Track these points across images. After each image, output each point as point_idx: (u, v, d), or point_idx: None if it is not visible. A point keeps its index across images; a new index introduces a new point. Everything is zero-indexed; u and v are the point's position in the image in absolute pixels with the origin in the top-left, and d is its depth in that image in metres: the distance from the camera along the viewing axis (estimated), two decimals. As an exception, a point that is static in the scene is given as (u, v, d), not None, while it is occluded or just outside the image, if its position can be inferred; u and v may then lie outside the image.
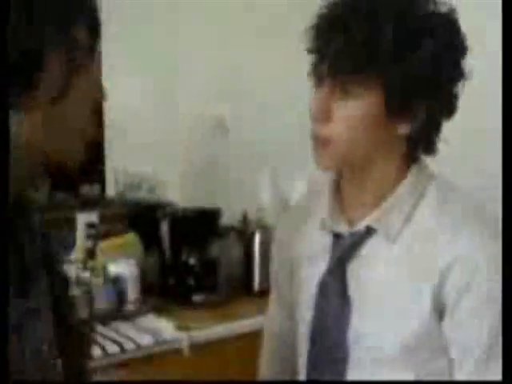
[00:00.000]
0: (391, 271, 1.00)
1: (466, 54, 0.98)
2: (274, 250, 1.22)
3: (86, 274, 1.90)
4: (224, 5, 2.31)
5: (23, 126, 0.73)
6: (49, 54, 0.72)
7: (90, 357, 0.95)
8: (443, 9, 0.97)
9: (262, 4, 2.34)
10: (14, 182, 0.74)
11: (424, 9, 0.96)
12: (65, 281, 0.96)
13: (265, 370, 1.24)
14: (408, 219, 1.00)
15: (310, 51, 1.00)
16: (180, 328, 1.84)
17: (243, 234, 2.29)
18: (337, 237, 1.05)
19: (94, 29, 0.79)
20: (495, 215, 1.01)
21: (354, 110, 0.96)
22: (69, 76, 0.74)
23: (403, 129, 0.98)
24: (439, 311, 0.97)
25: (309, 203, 1.15)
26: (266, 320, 1.26)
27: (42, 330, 0.82)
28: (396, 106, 0.96)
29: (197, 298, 2.06)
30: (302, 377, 1.10)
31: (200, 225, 2.16)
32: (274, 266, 1.21)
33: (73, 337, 0.94)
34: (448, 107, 1.00)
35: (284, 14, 2.31)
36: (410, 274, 0.98)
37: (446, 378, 0.99)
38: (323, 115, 0.97)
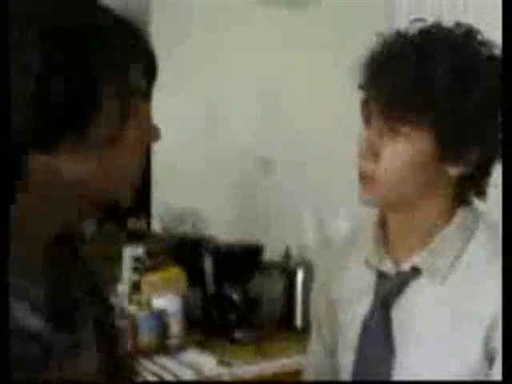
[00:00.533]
0: (437, 314, 0.98)
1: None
2: (316, 289, 1.21)
3: (131, 307, 1.93)
4: (272, 34, 2.35)
5: (75, 164, 0.73)
6: (105, 95, 0.72)
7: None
8: (496, 52, 0.97)
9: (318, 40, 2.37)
10: (62, 216, 0.77)
11: (479, 52, 0.96)
12: (112, 312, 0.96)
13: None
14: (456, 261, 0.98)
15: (361, 87, 1.01)
16: (221, 363, 1.84)
17: (285, 270, 2.29)
18: (381, 276, 1.04)
19: (150, 70, 0.80)
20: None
21: (403, 149, 0.95)
22: (124, 117, 0.75)
23: (454, 171, 0.97)
24: (490, 357, 0.94)
25: (352, 242, 1.14)
26: (307, 359, 1.25)
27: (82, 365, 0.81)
28: (447, 147, 0.95)
29: (239, 334, 2.06)
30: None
31: (243, 260, 2.17)
32: (315, 306, 1.21)
33: (120, 368, 0.94)
34: (497, 150, 0.99)
35: (339, 50, 2.34)
36: (458, 317, 0.96)
37: None
38: (370, 153, 0.96)
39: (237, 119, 2.32)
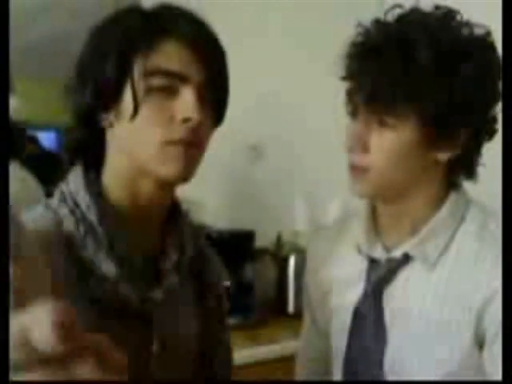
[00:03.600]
0: (428, 299, 0.99)
1: (498, 76, 0.97)
2: (308, 275, 1.22)
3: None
4: (262, 31, 2.34)
5: (121, 137, 0.84)
6: (125, 77, 0.81)
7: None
8: (479, 32, 0.96)
9: (301, 30, 2.36)
10: (136, 188, 0.86)
11: (459, 33, 0.95)
12: (220, 300, 1.01)
13: None
14: (446, 246, 0.99)
15: (344, 79, 1.00)
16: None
17: (277, 256, 2.29)
18: (372, 262, 1.04)
19: (193, 52, 0.83)
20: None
21: (392, 140, 0.95)
22: (140, 96, 0.81)
23: (443, 156, 0.97)
24: (479, 341, 0.95)
25: (344, 227, 1.15)
26: (299, 344, 1.25)
27: (157, 324, 0.85)
28: (435, 133, 0.94)
29: (231, 320, 2.07)
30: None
31: (235, 247, 2.17)
32: (308, 291, 1.21)
33: (221, 355, 1.00)
34: (488, 130, 0.99)
35: (323, 40, 2.33)
36: (448, 302, 0.97)
37: None
38: (360, 145, 0.96)
39: (233, 106, 2.32)
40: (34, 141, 3.15)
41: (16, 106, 1.82)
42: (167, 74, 0.81)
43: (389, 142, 0.95)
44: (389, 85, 0.92)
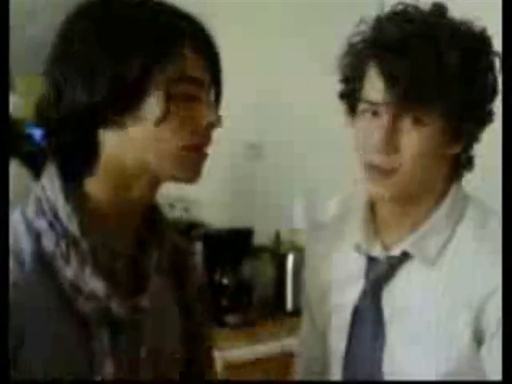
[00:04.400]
0: (428, 297, 0.98)
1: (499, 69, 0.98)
2: (306, 273, 1.21)
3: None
4: (260, 23, 2.34)
5: (133, 142, 0.82)
6: (148, 82, 0.80)
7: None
8: (478, 28, 0.97)
9: (300, 28, 2.36)
10: (131, 193, 0.84)
11: (469, 29, 0.96)
12: (201, 294, 1.00)
13: None
14: (445, 244, 0.99)
15: (347, 80, 0.99)
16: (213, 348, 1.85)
17: (276, 254, 2.29)
18: (371, 261, 1.04)
19: (206, 61, 0.84)
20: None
21: (421, 139, 0.94)
22: (169, 102, 0.80)
23: (454, 150, 0.98)
24: (478, 339, 0.95)
25: (341, 225, 1.14)
26: (299, 343, 1.25)
27: (145, 331, 0.85)
28: (456, 129, 0.95)
29: (230, 318, 2.07)
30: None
31: (233, 245, 2.18)
32: (306, 289, 1.21)
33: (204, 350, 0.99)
34: (488, 121, 1.00)
35: (323, 39, 2.33)
36: (447, 300, 0.97)
37: None
38: (389, 146, 0.94)
39: (226, 104, 2.32)
40: (34, 138, 3.15)
41: (16, 103, 1.82)
42: (192, 80, 0.83)
43: (419, 141, 0.94)
44: (422, 82, 0.91)
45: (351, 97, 1.00)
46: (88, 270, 0.78)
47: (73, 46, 0.81)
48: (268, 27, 2.36)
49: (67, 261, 0.78)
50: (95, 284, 0.78)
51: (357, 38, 0.98)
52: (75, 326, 0.78)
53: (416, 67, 0.91)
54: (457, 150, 0.99)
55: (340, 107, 1.03)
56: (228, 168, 2.40)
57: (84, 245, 0.78)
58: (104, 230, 0.82)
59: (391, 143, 0.94)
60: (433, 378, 0.96)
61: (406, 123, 0.94)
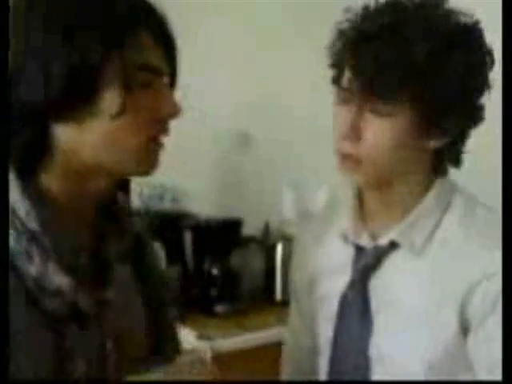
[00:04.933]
0: (415, 286, 0.99)
1: (492, 64, 0.98)
2: (294, 263, 1.22)
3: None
4: (250, 17, 2.33)
5: (89, 136, 0.78)
6: (107, 71, 0.75)
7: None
8: (467, 20, 0.97)
9: (288, 16, 2.35)
10: (85, 188, 0.81)
11: (450, 21, 0.96)
12: (162, 283, 0.99)
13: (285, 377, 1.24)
14: (432, 233, 1.00)
15: (334, 66, 1.00)
16: (202, 337, 1.86)
17: (265, 244, 2.30)
18: (359, 250, 1.05)
19: (163, 45, 0.81)
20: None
21: (385, 129, 0.94)
22: (127, 94, 0.76)
23: (434, 143, 0.98)
24: (464, 328, 0.96)
25: (329, 215, 1.15)
26: (286, 332, 1.26)
27: (110, 323, 0.83)
28: (427, 122, 0.95)
29: (219, 308, 2.08)
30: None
31: (222, 235, 2.18)
32: (294, 279, 1.22)
33: (169, 337, 0.96)
34: (475, 118, 1.00)
35: (311, 26, 2.33)
36: (434, 289, 0.98)
37: None
38: (353, 134, 0.95)
39: (215, 94, 2.31)
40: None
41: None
42: (150, 69, 0.79)
43: (382, 130, 0.94)
44: (385, 73, 0.91)
45: (336, 83, 1.00)
46: (51, 266, 0.76)
47: (27, 33, 0.75)
48: (255, 11, 2.35)
49: (29, 258, 0.75)
50: (60, 280, 0.76)
51: (344, 25, 0.98)
52: (44, 324, 0.76)
53: (380, 57, 0.91)
54: (437, 144, 0.98)
55: (328, 96, 1.03)
56: (216, 158, 2.40)
57: (45, 240, 0.76)
58: (64, 225, 0.80)
59: (354, 131, 0.95)
60: (418, 365, 0.97)
61: (371, 112, 0.94)
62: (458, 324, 0.96)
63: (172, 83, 0.85)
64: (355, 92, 0.95)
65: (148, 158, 0.82)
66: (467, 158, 1.04)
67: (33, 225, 0.76)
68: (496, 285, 0.93)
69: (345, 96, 0.98)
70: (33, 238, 0.76)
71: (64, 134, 0.78)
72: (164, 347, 0.94)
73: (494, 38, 0.99)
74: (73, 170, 0.80)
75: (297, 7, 2.30)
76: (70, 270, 0.77)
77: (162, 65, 0.81)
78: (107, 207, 0.88)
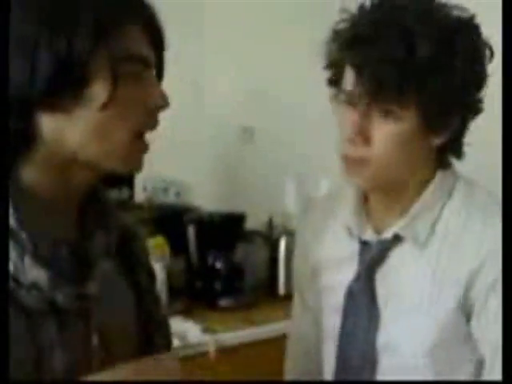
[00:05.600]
0: (420, 278, 1.00)
1: (491, 57, 0.98)
2: (298, 256, 1.22)
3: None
4: (252, 11, 2.33)
5: (74, 126, 0.76)
6: (94, 62, 0.74)
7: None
8: (465, 15, 0.96)
9: (289, 11, 2.35)
10: (67, 181, 0.80)
11: (450, 16, 0.95)
12: (151, 276, 0.96)
13: (290, 375, 1.24)
14: (435, 224, 1.00)
15: (330, 67, 0.98)
16: (206, 331, 1.86)
17: (269, 238, 2.30)
18: (364, 244, 1.05)
19: (151, 36, 0.79)
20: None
21: (394, 131, 0.93)
22: (116, 82, 0.75)
23: (438, 140, 0.98)
24: (467, 312, 0.97)
25: (332, 208, 1.14)
26: (291, 325, 1.26)
27: (92, 318, 0.81)
28: (434, 121, 0.94)
29: (223, 301, 2.08)
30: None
31: (226, 229, 2.18)
32: (298, 272, 1.22)
33: (160, 332, 0.94)
34: (476, 111, 1.00)
35: (312, 23, 2.33)
36: (438, 277, 0.98)
37: None
38: (361, 137, 0.94)
39: (219, 88, 2.31)
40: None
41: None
42: (139, 60, 0.77)
43: (391, 132, 0.93)
44: (393, 74, 0.89)
45: (334, 84, 1.00)
46: (28, 260, 0.74)
47: (13, 22, 0.74)
48: (261, 10, 2.35)
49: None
50: (36, 274, 0.74)
51: (340, 26, 0.97)
52: (20, 318, 0.74)
53: (383, 58, 0.89)
54: (441, 140, 0.98)
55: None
56: (220, 152, 2.40)
57: (22, 235, 0.74)
58: (44, 218, 0.78)
59: (362, 135, 0.94)
60: (422, 352, 0.98)
61: (378, 115, 0.93)
62: (457, 308, 0.97)
63: (159, 75, 0.83)
64: (361, 95, 0.93)
65: (133, 155, 0.80)
66: (468, 156, 1.05)
67: (11, 221, 0.74)
68: (497, 265, 0.93)
69: (348, 98, 0.96)
70: (11, 233, 0.74)
71: (49, 124, 0.76)
72: (156, 343, 0.92)
73: (493, 34, 0.99)
74: (56, 163, 0.78)
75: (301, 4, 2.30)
76: (47, 263, 0.75)
77: (151, 56, 0.80)
78: (92, 202, 0.86)
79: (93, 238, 0.83)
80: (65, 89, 0.74)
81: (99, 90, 0.75)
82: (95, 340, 0.80)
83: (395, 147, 0.94)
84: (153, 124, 0.81)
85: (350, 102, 0.96)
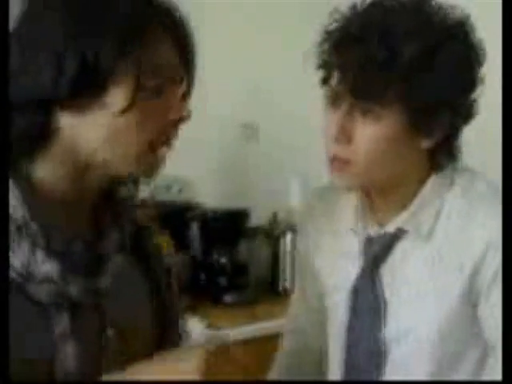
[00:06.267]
0: (425, 270, 1.01)
1: (484, 59, 0.97)
2: (300, 254, 1.22)
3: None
4: (252, 10, 2.33)
5: (90, 128, 0.77)
6: (119, 69, 0.75)
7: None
8: (456, 15, 0.96)
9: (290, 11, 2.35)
10: (77, 182, 0.81)
11: (439, 18, 0.95)
12: (167, 272, 0.97)
13: (278, 367, 1.24)
14: (438, 215, 1.00)
15: (321, 67, 0.98)
16: (210, 327, 1.87)
17: (272, 235, 2.31)
18: (367, 240, 1.05)
19: (179, 49, 0.80)
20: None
21: (375, 131, 0.94)
22: (136, 92, 0.75)
23: (427, 143, 0.98)
24: (473, 299, 0.98)
25: (335, 204, 1.15)
26: (286, 319, 1.26)
27: (107, 311, 0.82)
28: (418, 122, 0.94)
29: (227, 297, 2.09)
30: (335, 377, 1.11)
31: (229, 226, 2.18)
32: (300, 271, 1.22)
33: (173, 326, 0.95)
34: (468, 114, 1.00)
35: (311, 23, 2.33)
36: (442, 266, 0.99)
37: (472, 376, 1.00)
38: (343, 136, 0.95)
39: (222, 85, 2.31)
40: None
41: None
42: (165, 73, 0.78)
43: (372, 132, 0.94)
44: (375, 77, 0.90)
45: (326, 84, 1.00)
46: (40, 254, 0.75)
47: (38, 22, 0.76)
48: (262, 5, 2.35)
49: (18, 245, 0.75)
50: (48, 267, 0.75)
51: (332, 26, 0.97)
52: (32, 311, 0.75)
53: (366, 58, 0.90)
54: (431, 143, 0.98)
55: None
56: (223, 148, 2.40)
57: (34, 228, 0.76)
58: (58, 214, 0.79)
59: (344, 134, 0.94)
60: (425, 336, 0.99)
61: (360, 115, 0.93)
62: (462, 295, 0.97)
63: (188, 87, 0.84)
64: (344, 93, 0.94)
65: (144, 162, 0.80)
66: (468, 156, 1.05)
67: (21, 213, 0.76)
68: (500, 251, 0.94)
69: (334, 97, 0.97)
70: (22, 226, 0.75)
71: (67, 123, 0.78)
72: (168, 338, 0.93)
73: (493, 34, 0.99)
74: (71, 161, 0.79)
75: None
76: (59, 257, 0.76)
77: (178, 68, 0.80)
78: (107, 199, 0.87)
79: (107, 235, 0.84)
80: (87, 91, 0.75)
81: (119, 96, 0.76)
82: (110, 333, 0.81)
83: (377, 147, 0.94)
84: (170, 136, 0.81)
85: (334, 101, 0.97)
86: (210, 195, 2.35)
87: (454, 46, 0.94)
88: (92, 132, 0.78)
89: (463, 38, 0.96)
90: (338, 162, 0.97)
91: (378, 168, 0.97)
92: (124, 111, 0.76)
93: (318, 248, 1.14)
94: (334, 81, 0.97)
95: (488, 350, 1.00)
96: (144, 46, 0.76)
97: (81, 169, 0.80)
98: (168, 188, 2.36)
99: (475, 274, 0.97)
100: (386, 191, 1.03)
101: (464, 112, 0.99)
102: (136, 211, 0.94)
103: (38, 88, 0.75)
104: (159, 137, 0.80)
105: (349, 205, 1.08)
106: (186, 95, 0.83)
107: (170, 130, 0.81)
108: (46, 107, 0.76)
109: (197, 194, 2.38)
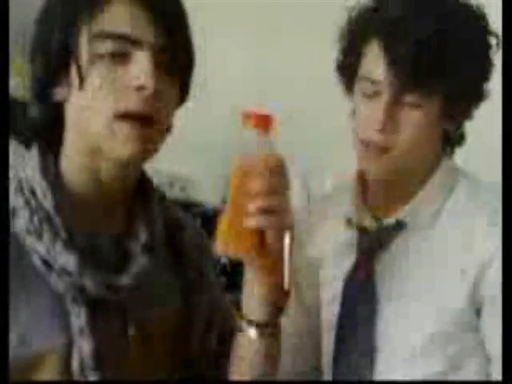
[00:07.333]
0: (421, 266, 1.00)
1: (498, 46, 0.99)
2: (295, 249, 1.22)
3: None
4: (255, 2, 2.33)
5: (74, 110, 0.79)
6: (76, 45, 0.75)
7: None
8: (475, 3, 0.99)
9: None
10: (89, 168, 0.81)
11: (467, 7, 0.97)
12: (199, 269, 0.95)
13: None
14: (438, 213, 1.01)
15: (349, 51, 0.99)
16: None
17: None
18: (362, 233, 1.05)
19: (149, 19, 0.76)
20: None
21: (419, 118, 0.95)
22: (92, 64, 0.75)
23: (452, 126, 1.00)
24: (476, 305, 0.97)
25: (331, 201, 1.15)
26: (284, 321, 1.26)
27: (129, 311, 0.81)
28: (454, 108, 0.97)
29: (229, 296, 2.09)
30: (327, 375, 1.11)
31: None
32: (294, 265, 1.22)
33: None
34: (482, 99, 1.02)
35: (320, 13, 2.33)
36: (439, 265, 0.99)
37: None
38: (387, 125, 0.95)
39: (224, 85, 2.32)
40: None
41: (15, 82, 1.82)
42: (116, 37, 0.74)
43: (417, 120, 0.95)
44: (427, 64, 0.91)
45: (349, 71, 1.00)
46: (59, 245, 0.75)
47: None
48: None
49: (40, 236, 0.75)
50: (65, 259, 0.75)
51: (358, 11, 0.98)
52: (51, 301, 0.76)
53: (420, 47, 0.91)
54: (450, 126, 1.00)
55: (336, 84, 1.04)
56: (226, 147, 2.40)
57: (57, 220, 0.76)
58: (82, 209, 0.80)
59: (390, 122, 0.95)
60: (420, 337, 0.98)
61: (407, 103, 0.94)
62: (465, 299, 0.97)
63: (175, 58, 0.79)
64: (392, 83, 0.94)
65: (125, 139, 0.76)
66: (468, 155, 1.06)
67: (47, 205, 0.76)
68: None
69: (375, 86, 0.97)
70: (46, 217, 0.76)
71: (67, 113, 0.80)
72: (192, 342, 0.90)
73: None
74: (77, 151, 0.80)
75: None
76: (79, 250, 0.76)
77: (142, 33, 0.75)
78: (138, 196, 0.86)
79: (136, 233, 0.83)
80: (55, 77, 0.78)
81: (75, 71, 0.76)
82: (132, 331, 0.80)
83: (419, 134, 0.96)
84: (134, 106, 0.75)
85: (376, 89, 0.96)
86: (211, 194, 2.36)
87: (483, 35, 0.97)
88: (73, 114, 0.78)
89: (487, 25, 0.98)
90: (375, 149, 0.97)
91: (413, 154, 0.98)
92: (80, 85, 0.75)
93: (312, 242, 1.14)
94: (368, 68, 0.96)
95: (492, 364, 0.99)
96: (99, 15, 0.75)
97: (92, 155, 0.79)
98: (170, 186, 2.37)
99: (479, 280, 0.96)
100: (395, 182, 1.03)
101: (481, 97, 1.01)
102: (169, 206, 0.92)
103: (31, 81, 0.79)
104: (121, 107, 0.75)
105: (345, 200, 1.09)
106: (167, 62, 0.78)
107: (137, 101, 0.75)
108: (45, 97, 0.79)
109: (199, 192, 2.38)
